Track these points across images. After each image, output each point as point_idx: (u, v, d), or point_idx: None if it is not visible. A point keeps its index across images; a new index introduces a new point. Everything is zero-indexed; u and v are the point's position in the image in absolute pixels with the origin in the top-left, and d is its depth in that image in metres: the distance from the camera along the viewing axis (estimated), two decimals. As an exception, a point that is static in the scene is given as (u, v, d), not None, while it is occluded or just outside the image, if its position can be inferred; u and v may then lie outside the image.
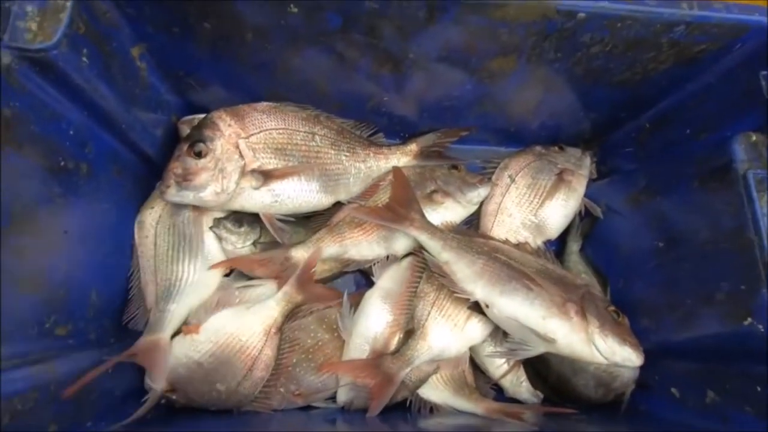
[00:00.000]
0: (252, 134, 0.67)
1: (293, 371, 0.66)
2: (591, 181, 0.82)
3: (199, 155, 0.64)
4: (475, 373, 0.72)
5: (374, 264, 0.72)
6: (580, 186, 0.80)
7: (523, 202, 0.79)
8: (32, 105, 0.48)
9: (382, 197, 0.75)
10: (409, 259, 0.72)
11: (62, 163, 0.53)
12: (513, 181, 0.81)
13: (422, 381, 0.67)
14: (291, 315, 0.67)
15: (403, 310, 0.67)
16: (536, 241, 0.77)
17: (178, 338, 0.63)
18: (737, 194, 0.54)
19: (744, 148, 0.55)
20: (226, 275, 0.70)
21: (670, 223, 0.66)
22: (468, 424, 0.63)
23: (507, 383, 0.72)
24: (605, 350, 0.61)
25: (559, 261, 0.77)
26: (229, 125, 0.66)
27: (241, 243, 0.70)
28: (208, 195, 0.64)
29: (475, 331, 0.67)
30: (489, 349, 0.70)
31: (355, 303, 0.70)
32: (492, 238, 0.75)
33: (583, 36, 0.57)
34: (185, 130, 0.72)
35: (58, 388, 0.48)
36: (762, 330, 0.51)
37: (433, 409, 0.68)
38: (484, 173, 0.82)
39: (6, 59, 0.44)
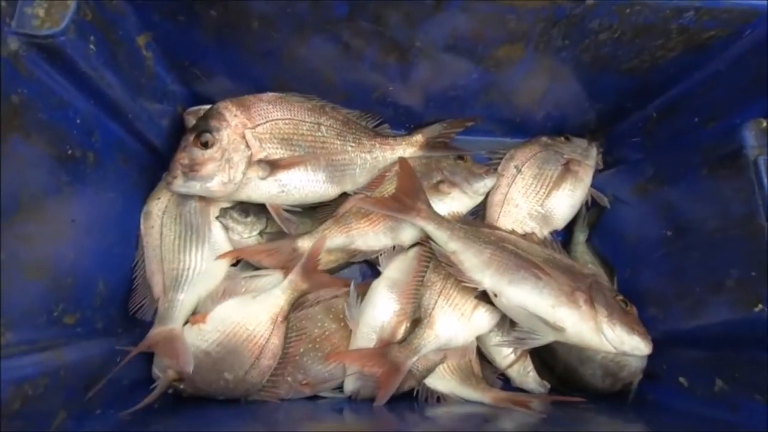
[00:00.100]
0: (258, 124, 0.67)
1: (300, 360, 0.66)
2: (597, 172, 0.82)
3: (205, 145, 0.64)
4: (482, 364, 0.72)
5: (380, 254, 0.72)
6: (586, 176, 0.80)
7: (530, 193, 0.79)
8: (40, 92, 0.48)
9: (388, 188, 0.75)
10: (415, 249, 0.72)
11: (69, 152, 0.53)
12: (519, 171, 0.80)
13: (429, 370, 0.67)
14: (297, 304, 0.67)
15: (409, 300, 0.67)
16: (543, 232, 0.77)
17: (185, 328, 0.63)
18: (748, 181, 0.54)
19: (754, 134, 0.55)
20: (233, 265, 0.70)
21: (678, 211, 0.65)
22: (476, 413, 0.63)
23: (514, 373, 0.72)
24: (614, 339, 0.61)
25: (565, 251, 0.77)
26: (235, 115, 0.66)
27: (247, 233, 0.70)
28: (214, 185, 0.64)
29: (482, 320, 0.67)
30: (496, 339, 0.70)
31: (362, 293, 0.70)
32: (499, 229, 0.74)
33: (591, 22, 0.57)
34: (191, 120, 0.72)
35: (68, 374, 0.48)
36: (772, 316, 0.51)
37: (440, 398, 0.68)
38: (490, 164, 0.82)
39: (14, 45, 0.44)
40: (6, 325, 0.44)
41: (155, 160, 0.70)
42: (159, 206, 0.69)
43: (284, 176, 0.68)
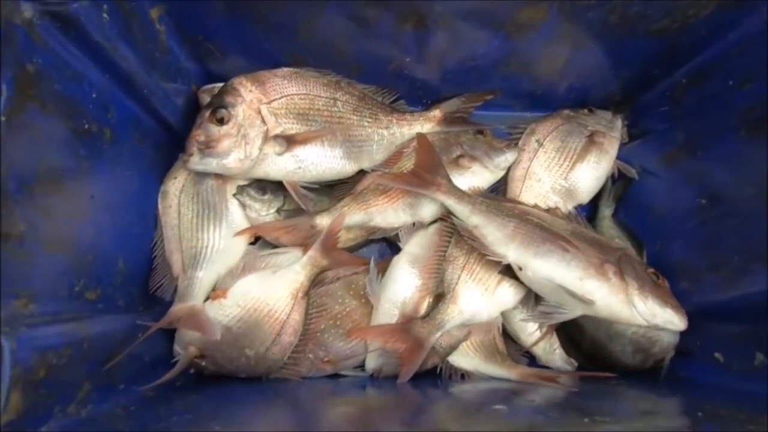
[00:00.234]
0: (273, 100, 0.66)
1: (321, 337, 0.65)
2: (622, 145, 0.79)
3: (221, 122, 0.63)
4: (506, 342, 0.70)
5: (400, 231, 0.70)
6: (612, 148, 0.77)
7: (553, 166, 0.76)
8: (55, 63, 0.47)
9: (406, 164, 0.73)
10: (436, 225, 0.71)
11: (86, 126, 0.53)
12: (541, 145, 0.78)
13: (453, 347, 0.66)
14: (317, 280, 0.66)
15: (431, 274, 0.66)
16: (567, 206, 0.75)
17: (206, 304, 0.63)
18: (791, 139, 0.51)
19: (797, 90, 0.52)
20: (252, 243, 0.70)
21: (712, 178, 0.63)
22: (502, 388, 0.62)
23: (540, 351, 0.70)
24: (645, 312, 0.58)
25: (591, 226, 0.74)
26: (251, 91, 0.65)
27: (265, 210, 0.69)
28: (231, 162, 0.64)
29: (506, 295, 0.65)
30: (521, 315, 0.68)
31: (382, 269, 0.69)
32: (521, 203, 0.72)
33: (620, -23, 0.54)
34: (206, 98, 0.71)
35: (91, 347, 0.48)
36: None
37: (464, 376, 0.67)
38: (511, 139, 0.80)
39: (27, 13, 0.44)
40: (29, 296, 0.44)
41: (171, 138, 0.70)
42: (176, 186, 0.68)
43: (301, 152, 0.66)
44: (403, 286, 0.66)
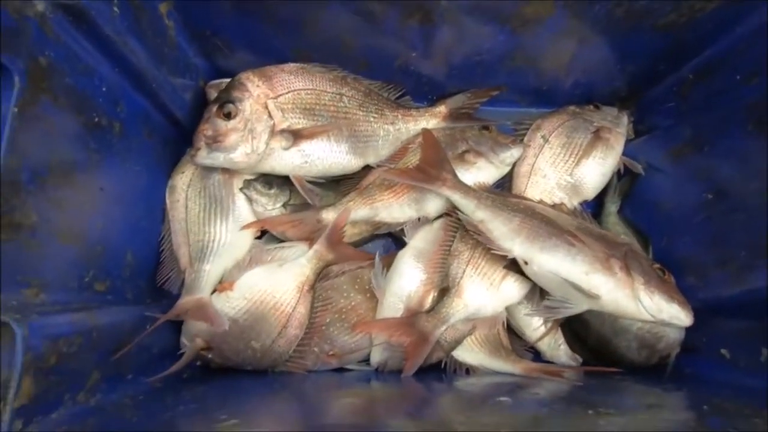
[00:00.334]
0: (280, 94, 0.66)
1: (327, 331, 0.65)
2: (628, 141, 0.79)
3: (228, 116, 0.64)
4: (511, 338, 0.70)
5: (405, 225, 0.71)
6: (618, 144, 0.77)
7: (558, 162, 0.76)
8: (67, 56, 0.48)
9: (412, 160, 0.73)
10: (441, 220, 0.71)
11: (96, 120, 0.53)
12: (546, 141, 0.78)
13: (458, 342, 0.66)
14: (323, 274, 0.67)
15: (436, 269, 0.66)
16: (572, 202, 0.75)
17: (213, 296, 0.63)
18: (798, 133, 0.50)
19: (805, 83, 0.51)
20: (258, 238, 0.70)
21: (719, 173, 0.62)
22: (507, 382, 0.62)
23: (544, 346, 0.70)
24: (651, 307, 0.58)
25: (597, 222, 0.74)
26: (258, 86, 0.66)
27: (271, 205, 0.69)
28: (238, 156, 0.64)
29: (511, 289, 0.65)
30: (526, 310, 0.68)
31: (387, 264, 0.69)
32: (526, 198, 0.72)
33: (626, -29, 0.54)
34: (213, 93, 0.72)
35: (100, 336, 0.49)
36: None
37: (468, 370, 0.67)
38: (516, 135, 0.80)
39: (40, 7, 0.44)
40: (41, 285, 0.45)
41: (179, 133, 0.70)
42: (183, 180, 0.69)
43: (307, 146, 0.67)
44: (408, 280, 0.66)
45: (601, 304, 0.60)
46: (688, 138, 0.68)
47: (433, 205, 0.71)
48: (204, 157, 0.64)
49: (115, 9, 0.50)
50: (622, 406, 0.50)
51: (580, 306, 0.61)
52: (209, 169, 0.68)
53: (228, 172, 0.69)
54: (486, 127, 0.77)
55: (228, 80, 0.69)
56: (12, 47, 0.41)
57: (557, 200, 0.74)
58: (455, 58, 0.71)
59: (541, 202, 0.72)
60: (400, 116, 0.75)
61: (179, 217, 0.68)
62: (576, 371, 0.66)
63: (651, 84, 0.77)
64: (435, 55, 0.71)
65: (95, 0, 0.47)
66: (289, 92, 0.67)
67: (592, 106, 0.80)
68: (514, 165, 0.78)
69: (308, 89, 0.68)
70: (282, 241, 0.70)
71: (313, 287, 0.65)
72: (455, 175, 0.69)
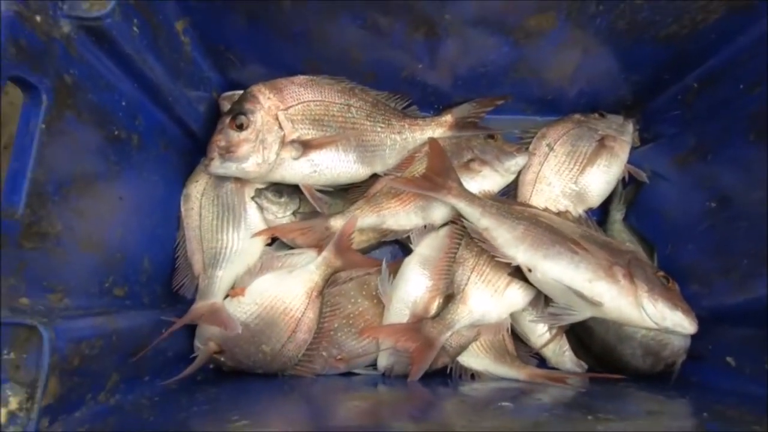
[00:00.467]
0: (290, 106, 0.69)
1: (335, 336, 0.67)
2: (633, 149, 0.80)
3: (240, 128, 0.66)
4: (516, 344, 0.71)
5: (412, 233, 0.72)
6: (622, 152, 0.77)
7: (563, 170, 0.77)
8: (90, 74, 0.51)
9: (418, 168, 0.75)
10: (447, 228, 0.72)
11: (116, 133, 0.56)
12: (551, 149, 0.79)
13: (463, 347, 0.67)
14: (331, 280, 0.69)
15: (442, 276, 0.67)
16: (577, 210, 0.76)
17: (225, 301, 0.65)
18: (799, 143, 0.51)
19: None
20: (268, 245, 0.72)
21: (722, 181, 0.63)
22: (511, 387, 0.63)
23: (549, 353, 0.71)
24: (655, 315, 0.59)
25: (602, 230, 0.75)
26: (269, 98, 0.68)
27: (281, 213, 0.72)
28: (250, 166, 0.66)
29: (515, 296, 0.66)
30: (531, 316, 0.69)
31: (394, 271, 0.70)
32: (531, 206, 0.74)
33: (627, -16, 0.55)
34: (226, 105, 0.75)
35: (119, 340, 0.51)
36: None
37: (473, 376, 0.68)
38: (522, 143, 0.81)
39: (66, 28, 0.47)
40: (64, 290, 0.47)
41: (193, 144, 0.73)
42: (197, 189, 0.72)
43: (316, 156, 0.69)
44: (414, 286, 0.67)
45: (604, 312, 0.60)
46: (692, 146, 0.69)
47: (438, 213, 0.73)
48: (217, 166, 0.66)
49: (135, 29, 0.53)
50: (623, 412, 0.51)
51: (583, 313, 0.62)
52: (222, 179, 0.71)
53: (240, 181, 0.72)
54: (491, 136, 0.79)
55: (240, 92, 0.72)
56: (40, 67, 0.44)
57: (562, 208, 0.75)
58: (460, 69, 0.73)
59: (546, 209, 0.73)
60: (406, 126, 0.77)
61: (193, 225, 0.70)
62: (581, 377, 0.66)
63: (656, 92, 0.77)
64: (440, 67, 0.72)
65: (117, 20, 0.49)
66: (298, 104, 0.69)
67: (597, 114, 0.81)
68: (519, 173, 0.79)
69: (317, 101, 0.70)
70: (292, 248, 0.72)
71: (321, 293, 0.67)
72: (461, 184, 0.70)
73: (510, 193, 0.79)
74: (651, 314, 0.59)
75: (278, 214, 0.72)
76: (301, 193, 0.71)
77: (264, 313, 0.64)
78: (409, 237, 0.72)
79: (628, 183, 0.79)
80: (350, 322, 0.68)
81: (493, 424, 0.44)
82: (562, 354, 0.71)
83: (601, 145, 0.77)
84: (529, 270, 0.64)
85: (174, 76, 0.63)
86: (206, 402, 0.54)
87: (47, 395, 0.40)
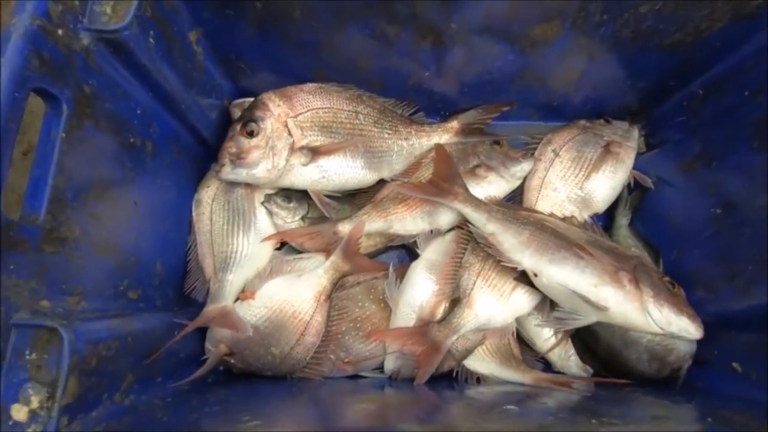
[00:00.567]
0: (300, 113, 0.70)
1: (342, 339, 0.68)
2: (638, 155, 0.80)
3: (251, 134, 0.68)
4: (521, 348, 0.72)
5: (418, 238, 0.73)
6: (628, 158, 0.78)
7: (569, 176, 0.78)
8: (108, 84, 0.53)
9: (425, 174, 0.76)
10: (453, 233, 0.73)
11: (131, 140, 0.58)
12: (557, 155, 0.80)
13: (468, 351, 0.68)
14: (339, 284, 0.70)
15: (448, 280, 0.68)
16: (583, 215, 0.76)
17: (236, 304, 0.67)
18: (802, 151, 0.51)
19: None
20: (278, 249, 0.74)
21: (727, 188, 0.63)
22: (516, 391, 0.63)
23: (555, 357, 0.71)
24: (660, 320, 0.59)
25: (607, 235, 0.75)
26: (278, 105, 0.70)
27: (290, 218, 0.73)
28: (260, 172, 0.68)
29: (521, 301, 0.67)
30: (536, 321, 0.70)
31: (401, 275, 0.71)
32: (537, 212, 0.74)
33: (630, -6, 0.56)
34: (236, 112, 0.76)
35: (134, 341, 0.52)
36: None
37: (479, 379, 0.69)
38: (527, 149, 0.82)
39: (85, 41, 0.49)
40: (82, 293, 0.49)
41: (204, 151, 0.75)
42: (209, 194, 0.73)
43: (325, 162, 0.70)
44: (420, 290, 0.68)
45: (609, 317, 0.61)
46: (698, 153, 0.70)
47: (445, 218, 0.74)
48: (228, 172, 0.68)
49: (151, 40, 0.55)
50: (628, 416, 0.52)
51: (589, 318, 0.62)
52: (232, 184, 0.72)
53: (250, 186, 0.73)
54: (497, 142, 0.80)
55: (250, 100, 0.73)
56: (62, 79, 0.46)
57: (568, 213, 0.75)
58: (466, 76, 0.74)
59: (551, 215, 0.73)
60: (413, 132, 0.78)
61: (204, 229, 0.72)
62: (586, 382, 0.67)
63: (661, 99, 0.78)
64: (447, 75, 0.73)
65: (134, 32, 0.51)
66: (307, 111, 0.71)
67: (602, 120, 0.82)
68: (525, 179, 0.80)
69: (326, 108, 0.72)
70: (300, 252, 0.73)
71: (329, 297, 0.68)
72: (467, 189, 0.71)
73: (516, 199, 0.80)
74: (656, 319, 0.59)
75: (287, 219, 0.73)
76: (310, 198, 0.72)
77: (273, 316, 0.65)
78: (415, 242, 0.74)
79: (633, 189, 0.79)
80: (358, 325, 0.69)
81: (499, 427, 0.45)
82: (567, 358, 0.71)
83: (607, 150, 0.78)
84: (535, 275, 0.64)
85: (187, 84, 0.65)
86: (217, 403, 0.55)
87: (66, 395, 0.41)
